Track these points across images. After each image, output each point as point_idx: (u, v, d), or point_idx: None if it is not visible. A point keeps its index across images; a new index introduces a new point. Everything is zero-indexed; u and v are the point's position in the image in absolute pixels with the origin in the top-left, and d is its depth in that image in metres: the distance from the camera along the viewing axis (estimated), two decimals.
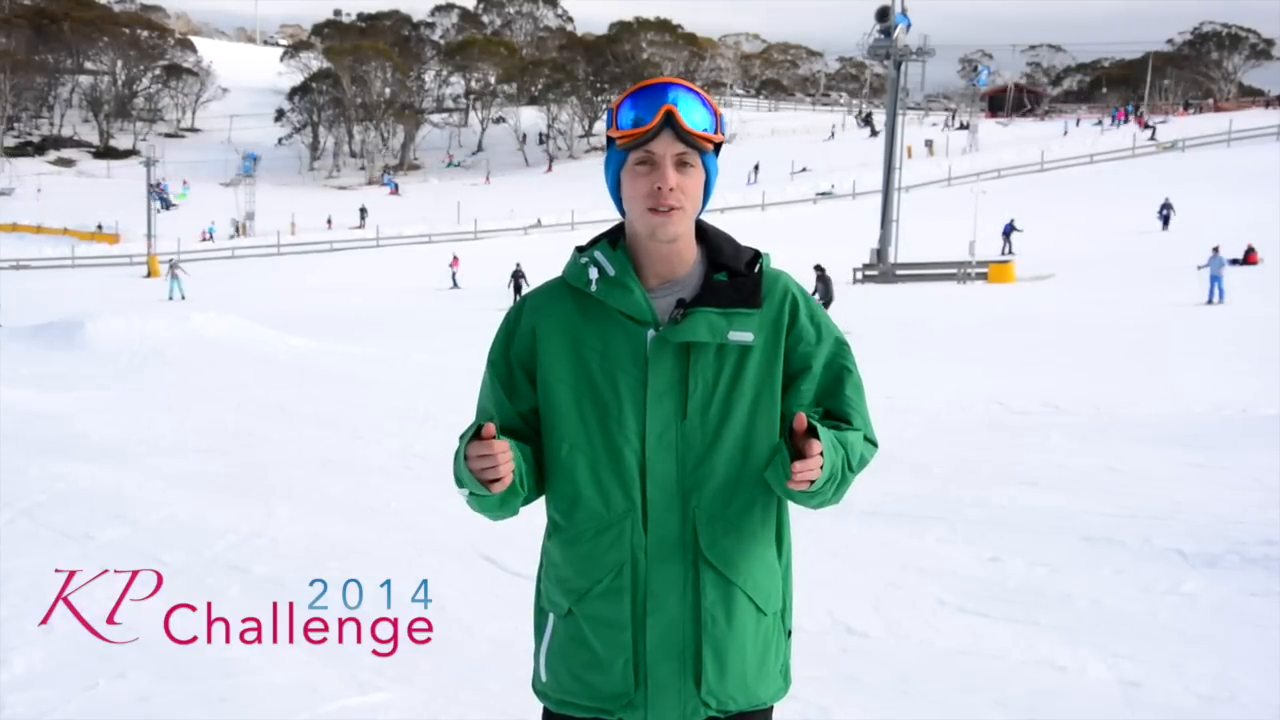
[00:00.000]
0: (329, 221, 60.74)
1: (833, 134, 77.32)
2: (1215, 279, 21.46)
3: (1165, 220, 34.77)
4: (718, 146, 1.81)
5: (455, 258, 35.99)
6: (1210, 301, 21.25)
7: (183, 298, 31.54)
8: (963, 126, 72.96)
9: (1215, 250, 21.82)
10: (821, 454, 1.62)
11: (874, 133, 66.14)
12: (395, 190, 76.55)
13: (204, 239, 56.90)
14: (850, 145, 68.80)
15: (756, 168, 65.13)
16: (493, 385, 1.88)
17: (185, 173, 75.39)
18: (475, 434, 1.67)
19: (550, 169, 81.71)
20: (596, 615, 1.80)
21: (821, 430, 1.66)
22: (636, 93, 1.77)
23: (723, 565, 1.78)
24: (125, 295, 32.04)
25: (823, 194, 54.93)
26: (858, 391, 1.86)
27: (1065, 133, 68.38)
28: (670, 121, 1.73)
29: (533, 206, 59.04)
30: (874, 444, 1.87)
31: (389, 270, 40.99)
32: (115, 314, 17.70)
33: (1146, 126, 62.87)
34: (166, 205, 67.25)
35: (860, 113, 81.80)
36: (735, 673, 1.80)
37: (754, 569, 1.81)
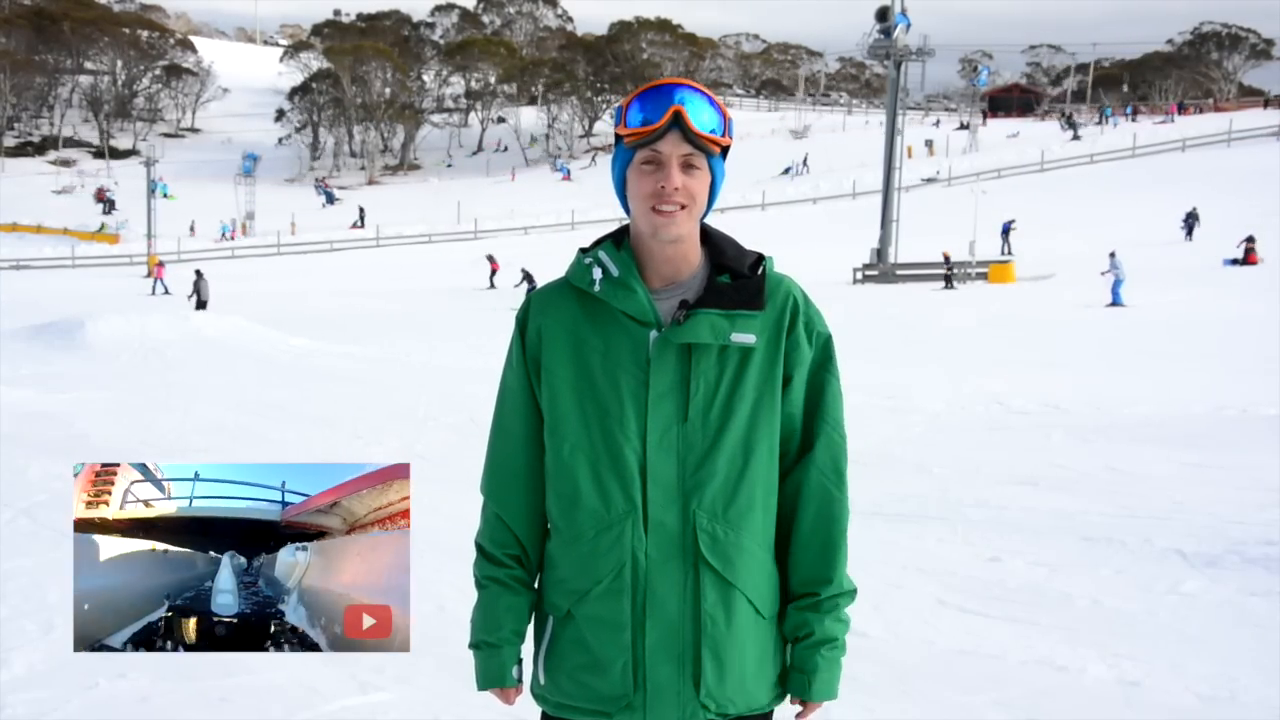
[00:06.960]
0: (353, 224, 60.94)
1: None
2: (1118, 283, 21.52)
3: (1189, 230, 34.48)
4: (725, 150, 1.81)
5: (491, 258, 34.74)
6: (1112, 304, 21.27)
7: None
8: (962, 126, 72.75)
9: (1112, 255, 21.95)
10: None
11: (1076, 136, 65.31)
12: (568, 176, 71.74)
13: (218, 240, 56.96)
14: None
15: (805, 159, 64.64)
16: (516, 392, 1.89)
17: (186, 173, 75.37)
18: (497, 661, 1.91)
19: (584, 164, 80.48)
20: (595, 616, 1.80)
21: (819, 661, 1.83)
22: (646, 92, 1.78)
23: (723, 567, 1.78)
24: (119, 292, 32.00)
25: (928, 179, 55.01)
26: (836, 401, 1.88)
27: (1115, 126, 67.83)
28: (678, 122, 1.73)
29: (553, 205, 58.75)
30: (840, 475, 1.87)
31: (390, 270, 40.98)
32: (115, 314, 17.71)
33: None
34: (331, 200, 67.41)
35: (1064, 115, 79.23)
36: (734, 675, 1.80)
37: (754, 572, 1.81)
